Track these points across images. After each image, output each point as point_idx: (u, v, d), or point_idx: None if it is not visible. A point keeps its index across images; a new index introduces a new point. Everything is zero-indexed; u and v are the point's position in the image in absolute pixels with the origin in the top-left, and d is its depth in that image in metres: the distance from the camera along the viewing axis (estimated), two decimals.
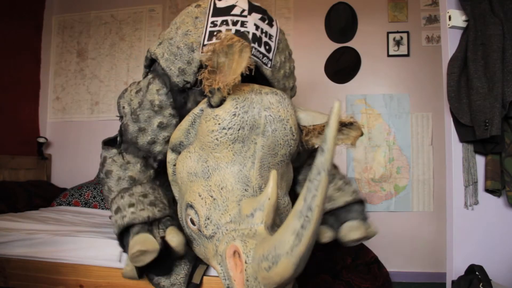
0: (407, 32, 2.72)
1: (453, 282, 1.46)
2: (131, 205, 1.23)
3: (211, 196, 1.10)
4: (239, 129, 1.12)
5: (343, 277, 2.18)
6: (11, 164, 2.73)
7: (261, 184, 1.13)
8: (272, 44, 1.40)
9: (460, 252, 1.51)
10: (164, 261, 1.23)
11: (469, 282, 1.34)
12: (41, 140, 2.96)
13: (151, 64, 1.45)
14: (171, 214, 1.28)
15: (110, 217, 1.34)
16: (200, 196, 1.12)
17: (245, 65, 1.05)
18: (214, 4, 1.39)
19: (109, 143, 1.45)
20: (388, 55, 2.75)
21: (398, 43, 2.73)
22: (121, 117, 1.43)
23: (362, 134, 1.29)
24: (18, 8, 2.90)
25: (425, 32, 2.70)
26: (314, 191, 0.79)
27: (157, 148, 1.37)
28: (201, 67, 1.27)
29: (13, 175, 2.73)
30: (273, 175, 0.97)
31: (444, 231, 1.61)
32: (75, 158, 3.09)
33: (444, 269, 1.59)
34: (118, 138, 1.45)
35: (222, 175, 1.13)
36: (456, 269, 1.50)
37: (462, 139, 1.55)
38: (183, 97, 1.33)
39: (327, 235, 1.38)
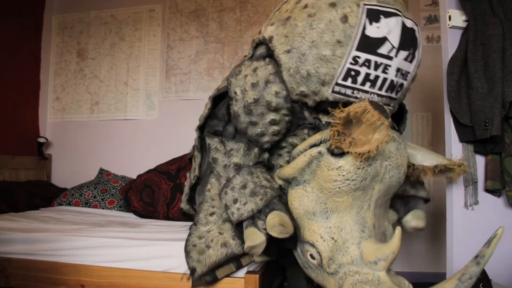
0: None
1: None
2: (235, 201, 1.30)
3: (332, 238, 1.20)
4: (362, 180, 1.18)
5: None
6: (11, 164, 2.73)
7: (374, 223, 1.24)
8: (405, 83, 1.32)
9: (460, 252, 1.51)
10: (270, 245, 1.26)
11: None
12: (41, 140, 2.96)
13: (264, 46, 1.37)
14: (274, 194, 1.29)
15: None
16: (322, 238, 1.22)
17: (382, 141, 1.06)
18: (364, 27, 1.17)
19: (203, 125, 1.51)
20: None
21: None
22: (230, 97, 1.39)
23: (465, 173, 1.46)
24: (18, 8, 2.90)
25: (425, 32, 2.71)
26: None
27: (265, 139, 1.39)
28: (323, 101, 1.28)
29: (13, 175, 2.73)
30: (398, 231, 1.08)
31: (444, 231, 1.61)
32: (75, 158, 3.10)
33: (444, 269, 1.59)
34: (225, 117, 1.46)
35: (341, 217, 1.22)
36: (456, 269, 1.50)
37: (462, 139, 1.55)
38: (298, 105, 1.34)
39: (392, 218, 1.48)
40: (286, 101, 1.30)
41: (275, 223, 1.18)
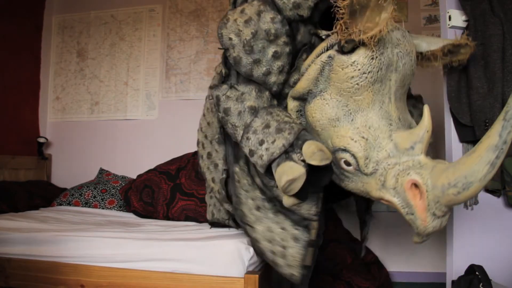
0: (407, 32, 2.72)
1: (453, 282, 1.46)
2: (261, 142, 1.23)
3: (363, 137, 1.20)
4: (378, 71, 1.19)
5: (343, 277, 2.18)
6: (11, 164, 2.73)
7: (399, 115, 1.25)
8: None
9: (460, 252, 1.51)
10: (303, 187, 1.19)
11: (469, 282, 1.34)
12: (41, 140, 2.96)
13: None
14: (300, 127, 1.25)
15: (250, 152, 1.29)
16: (352, 139, 1.20)
17: (388, 17, 1.06)
18: None
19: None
20: None
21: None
22: (226, 49, 1.34)
23: (473, 50, 1.42)
24: (18, 8, 2.90)
25: (425, 32, 2.70)
26: (509, 128, 0.98)
27: (272, 78, 1.34)
28: (318, 2, 1.31)
29: (13, 175, 2.73)
30: (426, 109, 1.12)
31: (444, 231, 1.61)
32: (75, 158, 3.09)
33: (444, 269, 1.59)
34: (224, 71, 1.40)
35: (366, 116, 1.22)
36: (456, 269, 1.50)
37: (462, 139, 1.55)
38: (294, 27, 1.33)
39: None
40: (283, 24, 1.28)
41: (314, 150, 1.14)
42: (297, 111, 1.35)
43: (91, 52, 3.13)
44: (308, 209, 1.34)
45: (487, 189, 1.51)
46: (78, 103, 3.13)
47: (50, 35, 3.21)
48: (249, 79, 1.34)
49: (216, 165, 1.57)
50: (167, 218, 2.25)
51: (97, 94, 3.10)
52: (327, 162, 1.15)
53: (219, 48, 1.38)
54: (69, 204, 2.54)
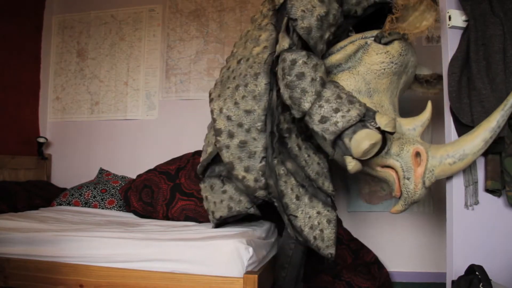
0: None
1: (453, 282, 1.46)
2: (336, 110, 1.37)
3: (377, 111, 1.44)
4: (400, 66, 1.55)
5: (343, 277, 2.18)
6: (11, 164, 2.73)
7: (397, 108, 1.63)
8: None
9: (460, 252, 1.51)
10: None
11: (469, 282, 1.34)
12: (41, 140, 2.96)
13: None
14: (363, 102, 1.44)
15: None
16: None
17: (430, 25, 1.40)
18: None
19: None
20: None
21: None
22: (293, 19, 1.45)
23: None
24: (18, 8, 2.90)
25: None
26: (505, 117, 1.35)
27: (321, 58, 1.53)
28: (370, 5, 1.61)
29: (13, 175, 2.73)
30: (429, 103, 1.52)
31: (444, 231, 1.61)
32: (75, 158, 3.09)
33: (444, 269, 1.59)
34: (287, 41, 1.47)
35: (380, 97, 1.56)
36: (456, 269, 1.50)
37: None
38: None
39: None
40: (342, 16, 1.55)
41: (388, 119, 1.33)
42: None
43: (91, 52, 3.13)
44: (328, 186, 1.63)
45: (487, 189, 1.51)
46: (78, 103, 3.13)
47: (50, 35, 3.21)
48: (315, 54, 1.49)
49: (252, 153, 1.54)
50: (167, 218, 2.25)
51: (97, 94, 3.10)
52: (395, 130, 1.36)
53: (286, 16, 1.48)
54: (68, 204, 2.54)
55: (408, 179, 1.42)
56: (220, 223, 1.77)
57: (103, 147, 3.05)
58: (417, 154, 1.42)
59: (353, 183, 2.68)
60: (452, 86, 1.53)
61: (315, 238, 1.55)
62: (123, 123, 3.04)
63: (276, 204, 1.59)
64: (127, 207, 2.43)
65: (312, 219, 1.55)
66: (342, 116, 1.34)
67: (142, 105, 3.01)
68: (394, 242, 2.60)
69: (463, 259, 1.49)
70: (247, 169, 1.55)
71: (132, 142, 3.00)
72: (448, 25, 1.58)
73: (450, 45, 1.58)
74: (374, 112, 1.37)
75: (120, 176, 2.83)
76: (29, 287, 1.60)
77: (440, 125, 2.63)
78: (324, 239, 1.56)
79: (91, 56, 3.13)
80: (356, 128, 1.34)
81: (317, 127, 1.39)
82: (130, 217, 2.36)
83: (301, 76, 1.39)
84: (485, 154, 1.53)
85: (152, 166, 2.51)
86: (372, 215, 2.65)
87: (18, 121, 2.91)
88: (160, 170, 2.41)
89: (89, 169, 2.99)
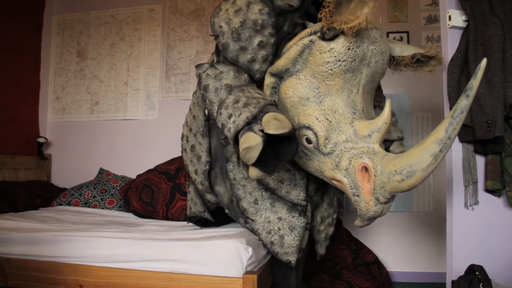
0: (407, 32, 2.72)
1: (453, 282, 1.46)
2: (230, 116, 1.30)
3: (327, 119, 1.30)
4: (352, 61, 1.28)
5: (343, 277, 2.18)
6: (11, 164, 2.73)
7: (363, 107, 1.34)
8: None
9: (460, 252, 1.51)
10: (268, 157, 1.24)
11: (469, 282, 1.34)
12: (41, 140, 2.96)
13: None
14: (267, 102, 1.31)
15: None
16: (317, 119, 1.30)
17: (369, 12, 1.15)
18: None
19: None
20: None
21: None
22: (216, 36, 1.45)
23: (440, 64, 1.56)
24: (18, 8, 2.90)
25: (425, 32, 2.70)
26: (455, 125, 1.07)
27: (256, 66, 1.44)
28: None
29: (13, 175, 2.73)
30: (388, 103, 1.20)
31: (444, 231, 1.61)
32: (75, 158, 3.10)
33: (444, 269, 1.59)
34: (215, 58, 1.51)
35: (333, 100, 1.32)
36: (456, 269, 1.49)
37: (462, 139, 1.55)
38: (281, 19, 1.43)
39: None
40: (270, 16, 1.38)
41: (270, 119, 1.18)
42: (272, 88, 1.44)
43: (91, 52, 3.14)
44: (297, 195, 1.51)
45: (487, 189, 1.51)
46: (78, 103, 3.13)
47: (50, 35, 3.21)
48: (229, 63, 1.43)
49: (199, 157, 1.63)
50: (167, 218, 2.25)
51: (97, 94, 3.10)
52: (284, 131, 1.17)
53: (210, 35, 1.47)
54: (68, 204, 2.54)
55: (357, 196, 1.22)
56: (191, 218, 1.81)
57: (103, 147, 3.05)
58: (365, 169, 1.20)
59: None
60: (451, 86, 1.53)
61: (272, 243, 1.51)
62: (123, 123, 3.04)
63: (226, 210, 1.64)
64: (127, 207, 2.43)
65: (271, 224, 1.51)
66: (233, 122, 1.27)
67: (142, 105, 3.01)
68: (394, 242, 2.61)
69: (463, 259, 1.49)
70: (196, 172, 1.65)
71: (132, 142, 3.00)
72: (448, 25, 1.58)
73: (450, 45, 1.58)
74: (266, 113, 1.22)
75: (120, 176, 2.83)
76: (29, 287, 1.60)
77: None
78: (284, 245, 1.50)
79: (91, 56, 3.13)
80: (243, 132, 1.23)
81: (225, 134, 1.34)
82: (130, 217, 2.36)
83: (206, 88, 1.41)
84: (485, 154, 1.53)
85: (152, 166, 2.51)
86: None
87: (18, 121, 2.91)
88: (160, 170, 2.41)
89: (89, 169, 2.99)
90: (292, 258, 1.51)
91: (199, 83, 1.44)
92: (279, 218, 1.50)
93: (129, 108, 3.03)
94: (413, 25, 2.72)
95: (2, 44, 2.76)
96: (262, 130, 1.18)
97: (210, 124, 1.61)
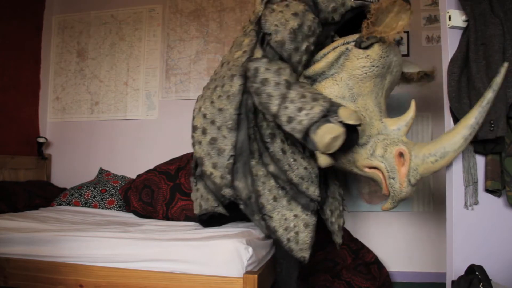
0: (407, 32, 2.72)
1: (453, 282, 1.46)
2: (300, 109, 1.40)
3: (362, 115, 1.55)
4: (382, 68, 1.56)
5: (343, 277, 2.18)
6: (11, 164, 2.73)
7: (385, 108, 1.64)
8: None
9: (460, 252, 1.51)
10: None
11: (469, 282, 1.34)
12: (41, 140, 2.96)
13: None
14: (329, 97, 1.49)
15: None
16: None
17: (405, 25, 1.40)
18: None
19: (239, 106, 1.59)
20: None
21: (398, 43, 2.73)
22: (265, 34, 1.56)
23: (433, 80, 1.94)
24: (18, 8, 2.90)
25: (425, 32, 2.70)
26: (483, 113, 1.37)
27: (300, 68, 1.59)
28: (348, 11, 1.65)
29: (13, 175, 2.73)
30: (413, 103, 1.53)
31: (444, 231, 1.61)
32: (75, 158, 3.10)
33: (444, 269, 1.59)
34: (262, 53, 1.57)
35: (365, 100, 1.58)
36: (456, 269, 1.49)
37: None
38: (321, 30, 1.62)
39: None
40: (319, 25, 1.59)
41: (350, 111, 1.37)
42: None
43: (91, 52, 3.14)
44: (313, 191, 1.61)
45: (487, 189, 1.51)
46: (78, 103, 3.13)
47: (50, 35, 3.21)
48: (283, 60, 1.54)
49: (221, 151, 1.59)
50: (167, 218, 2.25)
51: (97, 94, 3.10)
52: (360, 122, 1.38)
53: (263, 32, 1.57)
54: (68, 204, 2.54)
55: (393, 178, 1.48)
56: (205, 222, 1.81)
57: (103, 147, 3.05)
58: (401, 155, 1.47)
59: (353, 183, 2.68)
60: (451, 86, 1.53)
61: (288, 240, 1.55)
62: (123, 123, 3.04)
63: (241, 206, 1.61)
64: (127, 207, 2.43)
65: (288, 221, 1.56)
66: (306, 114, 1.38)
67: (142, 105, 3.01)
68: (394, 242, 2.61)
69: (463, 259, 1.49)
70: (215, 166, 1.61)
71: (132, 142, 3.00)
72: (448, 25, 1.58)
73: (450, 45, 1.58)
74: (338, 107, 1.39)
75: (120, 176, 2.83)
76: (29, 287, 1.60)
77: (440, 125, 2.63)
78: (298, 242, 1.56)
79: (91, 56, 3.13)
80: (320, 123, 1.36)
81: (286, 128, 1.43)
82: (130, 217, 2.36)
83: (265, 82, 1.45)
84: (485, 154, 1.53)
85: (152, 166, 2.51)
86: (372, 215, 2.65)
87: (18, 121, 2.91)
88: (160, 170, 2.41)
89: (89, 169, 2.99)
90: (306, 255, 1.57)
91: (255, 76, 1.48)
92: (295, 216, 1.57)
93: (129, 108, 3.03)
94: (413, 25, 2.71)
95: (2, 44, 2.76)
96: (340, 121, 1.34)
97: (240, 119, 1.59)
